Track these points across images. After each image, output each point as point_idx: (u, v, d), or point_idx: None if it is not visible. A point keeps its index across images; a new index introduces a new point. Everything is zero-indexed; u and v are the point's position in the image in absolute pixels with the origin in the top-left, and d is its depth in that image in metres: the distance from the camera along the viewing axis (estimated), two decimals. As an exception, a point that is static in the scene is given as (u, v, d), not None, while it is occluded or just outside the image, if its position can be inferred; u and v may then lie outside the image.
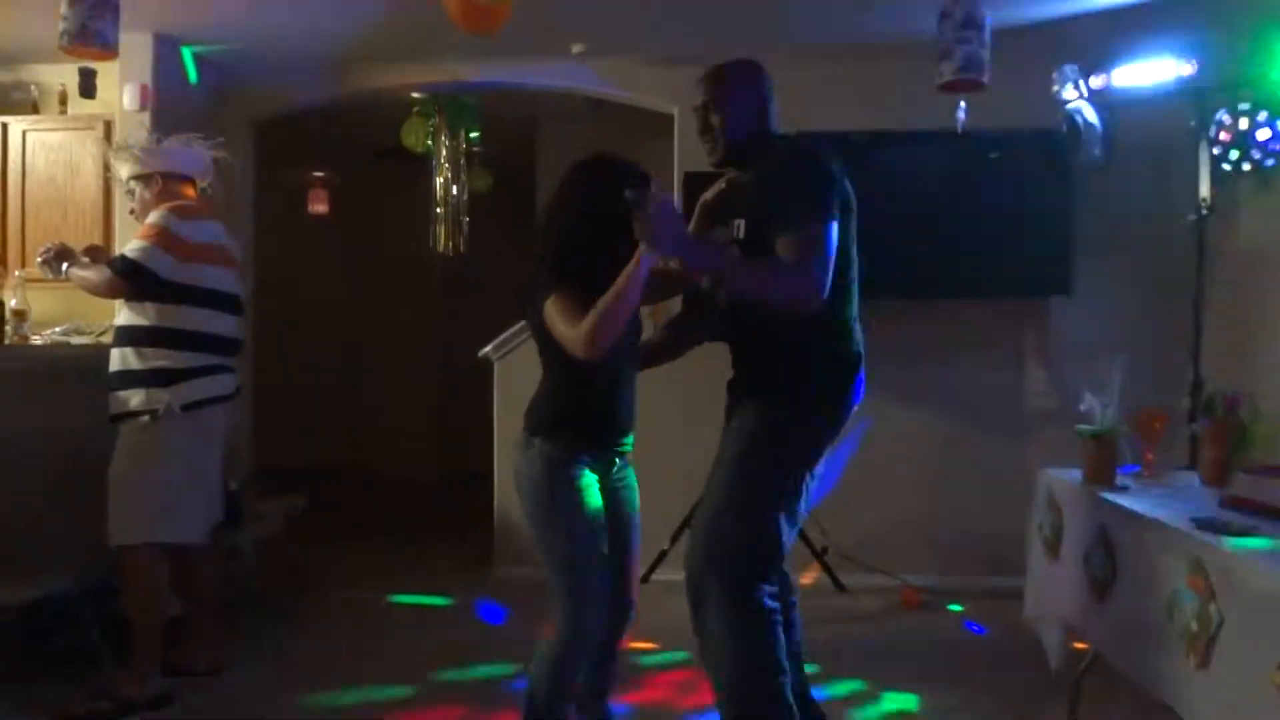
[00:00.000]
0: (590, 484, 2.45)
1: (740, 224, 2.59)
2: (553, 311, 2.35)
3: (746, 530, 2.48)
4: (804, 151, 2.59)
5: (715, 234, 2.69)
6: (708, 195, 2.74)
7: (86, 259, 3.48)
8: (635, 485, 2.63)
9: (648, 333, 2.76)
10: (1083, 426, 2.90)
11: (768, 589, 2.49)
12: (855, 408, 2.60)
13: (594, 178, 2.49)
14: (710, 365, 2.82)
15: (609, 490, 2.53)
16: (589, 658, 2.48)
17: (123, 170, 3.50)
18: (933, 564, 4.77)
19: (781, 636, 2.49)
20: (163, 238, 3.25)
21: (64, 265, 3.43)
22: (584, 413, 2.48)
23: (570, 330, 2.29)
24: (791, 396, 2.56)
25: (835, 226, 2.42)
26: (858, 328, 2.64)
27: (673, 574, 3.52)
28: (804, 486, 2.56)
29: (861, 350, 2.62)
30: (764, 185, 2.52)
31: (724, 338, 2.70)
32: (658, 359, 2.79)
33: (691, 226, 2.71)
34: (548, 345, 2.45)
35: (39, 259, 3.50)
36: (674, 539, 4.52)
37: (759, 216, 2.50)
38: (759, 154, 2.59)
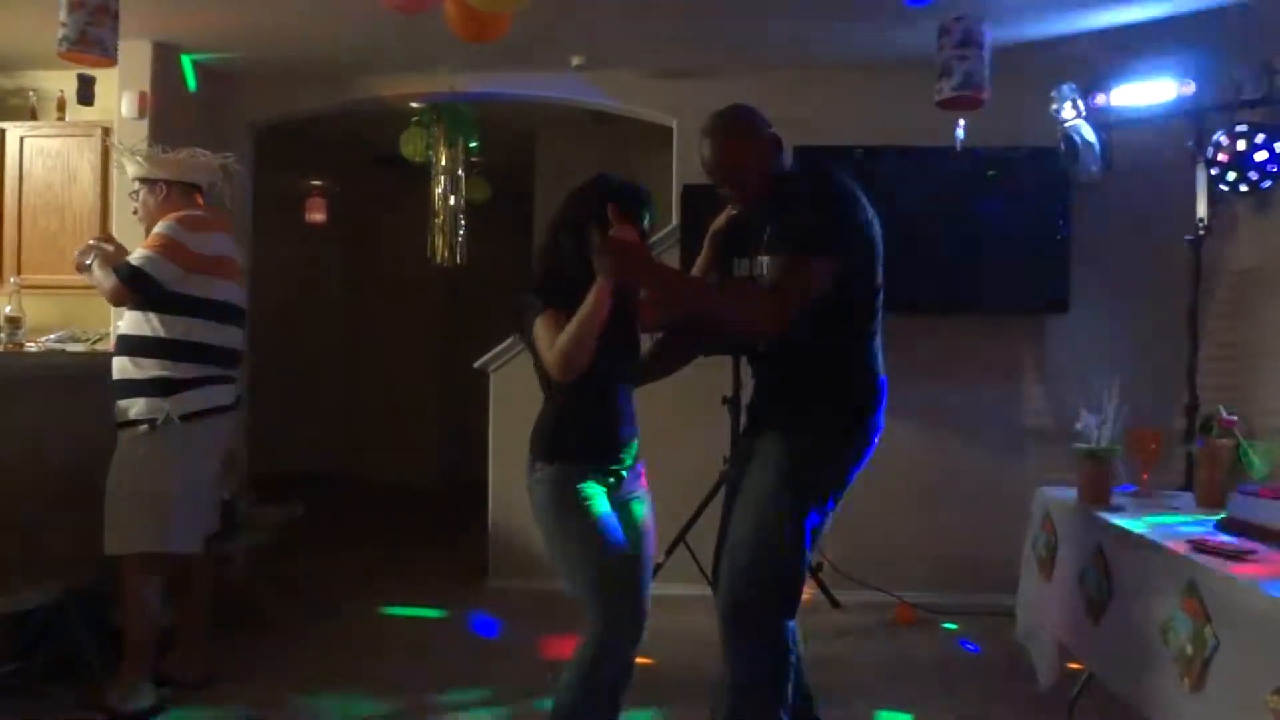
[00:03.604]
0: (597, 493, 2.47)
1: (765, 261, 2.52)
2: (539, 332, 2.43)
3: (781, 571, 2.46)
4: (827, 188, 2.52)
5: (733, 267, 2.66)
6: (718, 223, 2.71)
7: (110, 248, 3.45)
8: (646, 500, 2.63)
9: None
10: (1079, 445, 2.91)
11: (791, 625, 2.50)
12: (878, 437, 2.56)
13: (586, 200, 2.49)
14: (702, 377, 2.79)
15: (616, 506, 2.53)
16: (624, 657, 2.42)
17: (128, 169, 3.51)
18: (928, 581, 4.76)
19: (792, 673, 2.50)
20: (168, 248, 3.25)
21: (89, 259, 3.41)
22: (580, 434, 2.52)
23: (547, 354, 2.40)
24: (821, 428, 2.52)
25: (830, 265, 2.37)
26: (881, 355, 2.59)
27: (666, 589, 3.51)
28: (825, 519, 2.54)
29: (884, 379, 2.58)
30: (788, 218, 2.45)
31: (748, 360, 2.71)
32: (651, 374, 2.77)
33: (702, 256, 2.72)
34: (541, 366, 2.50)
35: (78, 264, 3.45)
36: (668, 553, 4.51)
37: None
38: (783, 189, 2.54)
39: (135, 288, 3.23)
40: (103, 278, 3.33)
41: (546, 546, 2.52)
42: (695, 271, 2.75)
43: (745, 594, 2.45)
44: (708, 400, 4.44)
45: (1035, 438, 4.81)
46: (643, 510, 2.61)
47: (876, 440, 2.55)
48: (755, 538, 2.46)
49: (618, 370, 2.56)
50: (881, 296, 2.57)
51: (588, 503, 2.44)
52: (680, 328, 2.73)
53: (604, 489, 2.50)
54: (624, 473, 2.57)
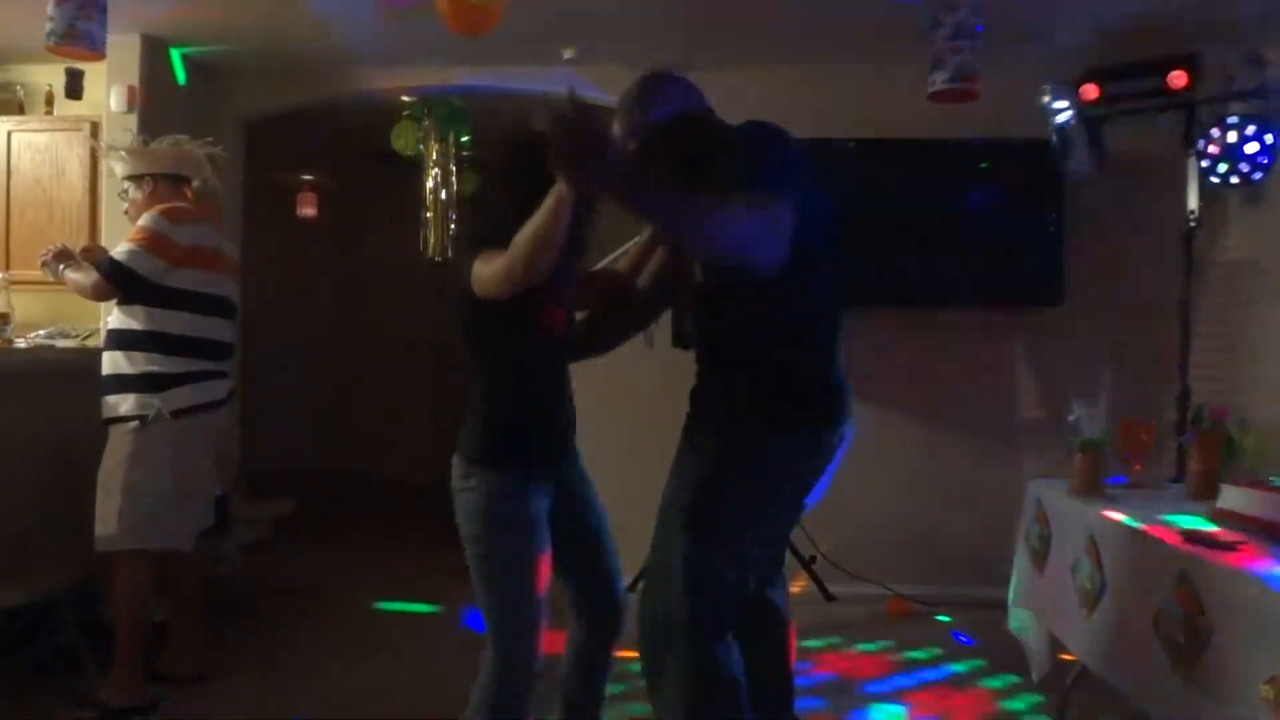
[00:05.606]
0: (535, 518, 2.26)
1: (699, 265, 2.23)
2: (478, 268, 2.13)
3: (704, 585, 2.15)
4: (759, 134, 2.15)
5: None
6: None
7: (84, 259, 3.44)
8: (590, 479, 2.45)
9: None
10: (1071, 436, 2.92)
11: (727, 647, 2.21)
12: (846, 434, 2.30)
13: (519, 153, 2.24)
14: (665, 363, 2.61)
15: (565, 494, 2.36)
16: (526, 697, 2.31)
17: (116, 169, 3.49)
18: (921, 573, 4.76)
19: (745, 706, 2.21)
20: (152, 241, 3.23)
21: (60, 266, 3.40)
22: (523, 427, 2.28)
23: (495, 263, 2.07)
24: (765, 412, 2.19)
25: (790, 207, 1.98)
26: (839, 351, 2.28)
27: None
28: (777, 523, 2.29)
29: (840, 376, 2.29)
30: (735, 159, 2.10)
31: (693, 335, 2.37)
32: (589, 350, 2.51)
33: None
34: (475, 348, 2.29)
35: (40, 260, 3.46)
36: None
37: None
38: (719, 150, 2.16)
39: (118, 282, 3.21)
40: (82, 277, 3.31)
41: (466, 547, 2.28)
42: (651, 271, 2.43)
43: (664, 626, 2.19)
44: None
45: (1028, 430, 4.82)
46: (590, 493, 2.43)
47: (838, 439, 2.27)
48: (673, 553, 2.19)
49: (555, 345, 2.32)
50: (833, 285, 2.25)
51: (522, 534, 2.24)
52: (628, 296, 2.48)
53: (547, 499, 2.30)
54: (567, 462, 2.39)
